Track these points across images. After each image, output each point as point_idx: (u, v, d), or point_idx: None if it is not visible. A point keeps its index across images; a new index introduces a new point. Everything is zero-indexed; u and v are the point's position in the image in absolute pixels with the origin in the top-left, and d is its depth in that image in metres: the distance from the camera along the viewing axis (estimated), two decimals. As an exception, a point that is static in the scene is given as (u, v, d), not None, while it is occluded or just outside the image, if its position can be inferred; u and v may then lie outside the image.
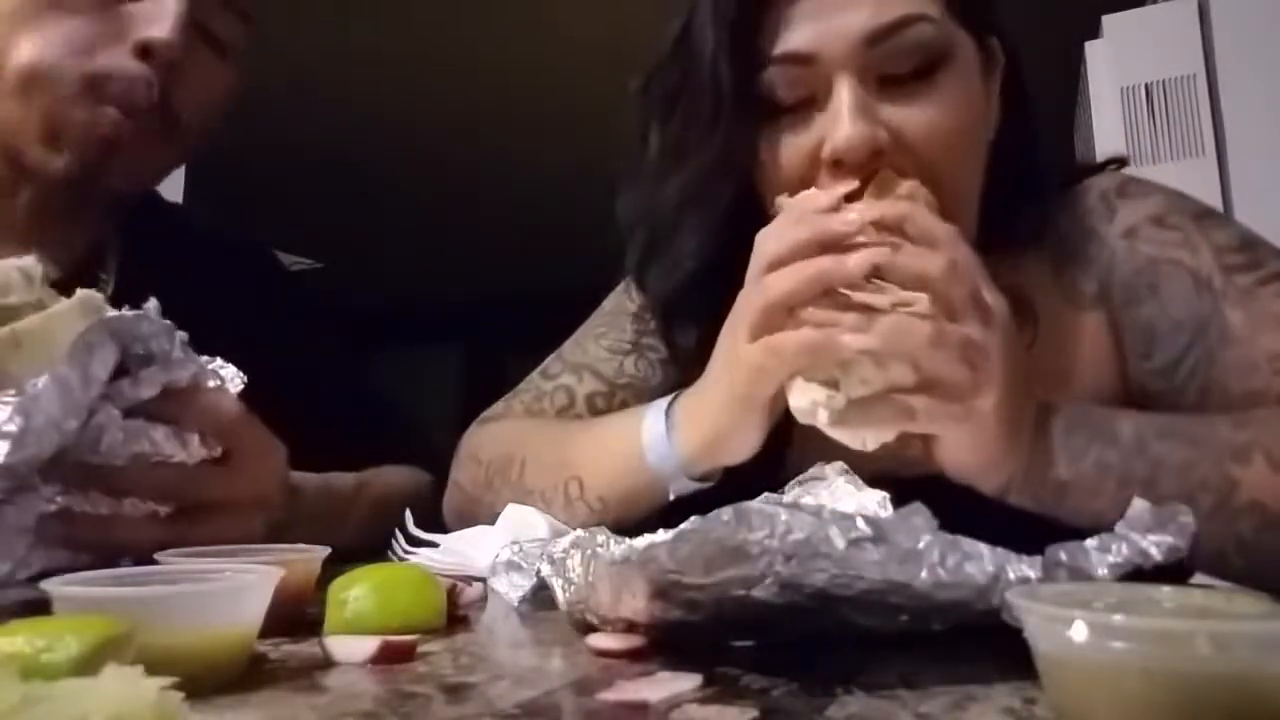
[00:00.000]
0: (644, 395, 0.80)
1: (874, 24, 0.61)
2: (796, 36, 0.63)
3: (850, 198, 0.59)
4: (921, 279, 0.53)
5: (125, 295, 0.80)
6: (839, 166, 0.61)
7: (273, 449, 0.65)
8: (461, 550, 0.69)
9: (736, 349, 0.58)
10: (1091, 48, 2.23)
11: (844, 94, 0.61)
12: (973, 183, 0.67)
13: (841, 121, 0.61)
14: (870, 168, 0.61)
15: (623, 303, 0.84)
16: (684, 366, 0.74)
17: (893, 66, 0.62)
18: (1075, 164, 0.80)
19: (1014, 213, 0.70)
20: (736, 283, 0.60)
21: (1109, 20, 2.19)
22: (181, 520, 0.58)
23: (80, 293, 0.57)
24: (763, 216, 0.65)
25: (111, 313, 0.56)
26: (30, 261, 0.57)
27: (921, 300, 0.53)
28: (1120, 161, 0.76)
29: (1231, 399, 0.62)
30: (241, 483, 0.61)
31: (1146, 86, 2.10)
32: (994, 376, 0.53)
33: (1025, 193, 0.71)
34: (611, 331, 0.83)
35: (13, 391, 0.52)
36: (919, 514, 0.40)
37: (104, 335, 0.54)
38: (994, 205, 0.68)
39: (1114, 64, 2.16)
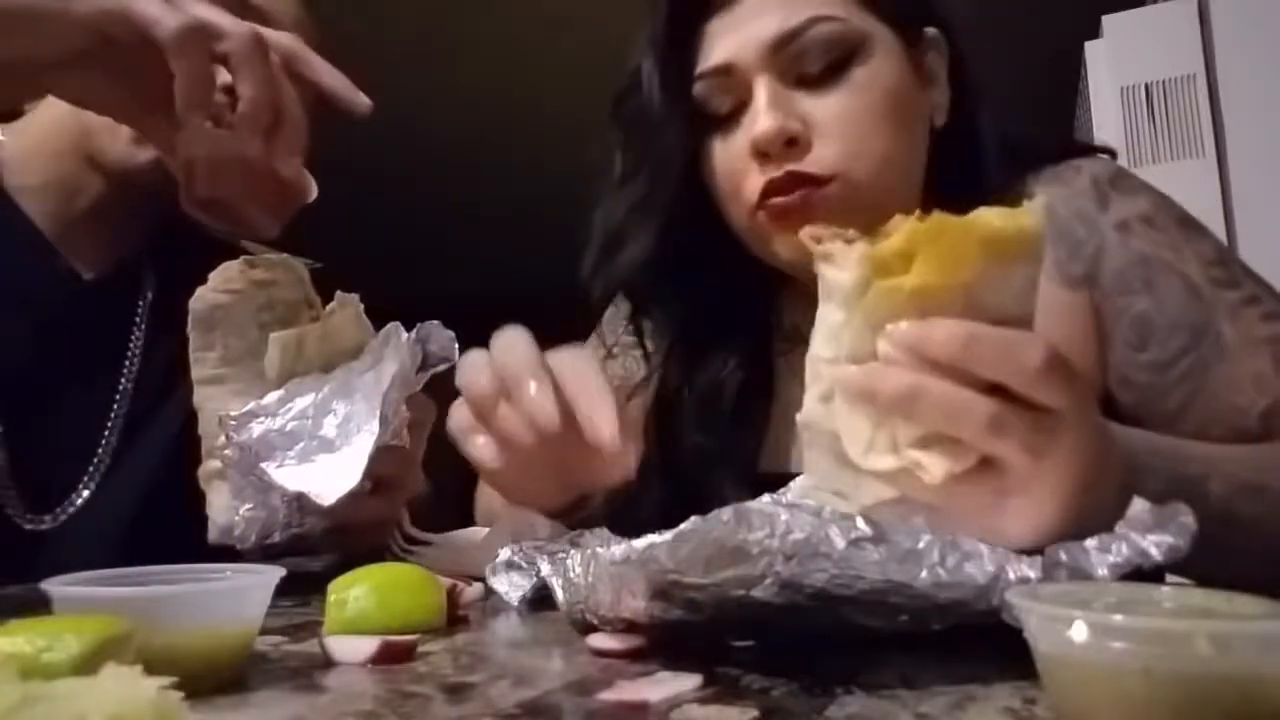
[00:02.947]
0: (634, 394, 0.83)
1: (780, 29, 0.67)
2: (716, 51, 0.70)
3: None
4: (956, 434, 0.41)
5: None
6: (764, 158, 0.67)
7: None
8: (459, 549, 0.70)
9: None
10: (1091, 48, 2.23)
11: (760, 93, 0.68)
12: (902, 163, 0.70)
13: (758, 116, 0.67)
14: (790, 156, 0.66)
15: (610, 312, 0.89)
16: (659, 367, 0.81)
17: (804, 65, 0.68)
18: (1060, 139, 0.82)
19: (977, 189, 0.69)
20: (684, 290, 0.71)
21: (1109, 20, 2.18)
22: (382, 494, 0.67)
23: (353, 305, 0.68)
24: (705, 223, 0.73)
25: (369, 324, 0.68)
26: (299, 262, 0.67)
27: (936, 467, 0.41)
28: (1111, 152, 0.77)
29: (1219, 408, 0.63)
30: (413, 471, 0.72)
31: (1146, 86, 2.10)
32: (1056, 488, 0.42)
33: (978, 175, 0.73)
34: (601, 344, 0.88)
35: (311, 380, 0.63)
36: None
37: (418, 338, 0.66)
38: (949, 185, 0.69)
39: (1114, 64, 2.16)
